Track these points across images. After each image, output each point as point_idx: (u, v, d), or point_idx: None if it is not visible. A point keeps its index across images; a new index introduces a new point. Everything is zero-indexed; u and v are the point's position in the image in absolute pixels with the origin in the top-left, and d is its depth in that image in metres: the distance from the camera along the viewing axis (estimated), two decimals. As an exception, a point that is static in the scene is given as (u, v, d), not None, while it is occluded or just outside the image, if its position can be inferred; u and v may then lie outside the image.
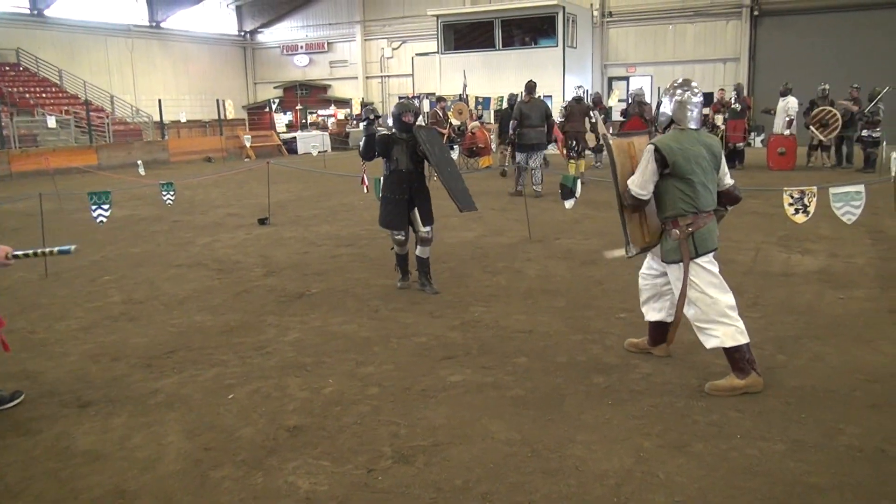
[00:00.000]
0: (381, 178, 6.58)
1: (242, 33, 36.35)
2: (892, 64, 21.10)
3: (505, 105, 16.78)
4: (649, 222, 4.33)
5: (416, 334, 5.29)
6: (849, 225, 6.57)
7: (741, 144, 16.43)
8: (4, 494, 3.23)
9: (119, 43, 30.17)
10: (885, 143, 14.35)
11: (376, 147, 6.27)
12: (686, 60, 25.85)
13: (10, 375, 4.66)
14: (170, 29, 32.56)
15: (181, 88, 31.72)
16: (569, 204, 8.08)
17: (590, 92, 19.43)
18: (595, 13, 26.85)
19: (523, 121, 12.22)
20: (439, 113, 16.66)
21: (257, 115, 31.05)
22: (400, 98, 8.10)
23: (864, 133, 14.85)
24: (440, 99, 17.98)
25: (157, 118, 24.96)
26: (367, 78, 33.93)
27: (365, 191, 8.04)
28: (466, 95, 19.61)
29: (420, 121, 7.92)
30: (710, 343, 4.15)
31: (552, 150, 15.56)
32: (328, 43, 34.45)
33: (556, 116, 15.16)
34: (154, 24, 31.81)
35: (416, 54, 29.83)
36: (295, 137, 27.18)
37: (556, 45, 24.13)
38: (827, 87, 15.57)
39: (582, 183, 8.41)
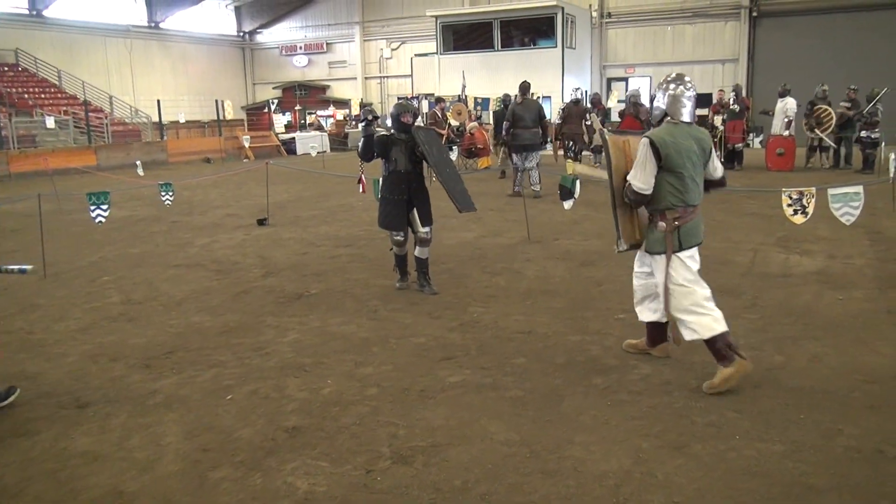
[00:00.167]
0: (380, 179, 6.58)
1: (241, 34, 36.35)
2: (891, 65, 21.13)
3: (500, 106, 16.84)
4: (640, 218, 4.40)
5: (415, 335, 5.29)
6: (847, 226, 6.58)
7: (740, 145, 16.46)
8: (3, 495, 3.23)
9: (118, 43, 30.16)
10: (883, 144, 14.36)
11: (375, 148, 6.28)
12: (685, 61, 25.84)
13: (9, 376, 4.65)
14: (169, 29, 32.55)
15: (180, 89, 31.71)
16: (568, 205, 8.08)
17: (588, 93, 19.46)
18: (594, 14, 26.87)
19: (516, 122, 12.26)
20: (438, 113, 16.68)
21: (256, 115, 31.05)
22: (399, 99, 8.09)
23: (863, 134, 14.86)
24: (439, 100, 17.99)
25: (155, 119, 24.95)
26: (366, 78, 33.93)
27: (361, 191, 8.03)
28: (465, 96, 19.61)
29: (419, 121, 7.92)
30: (688, 336, 4.22)
31: (550, 150, 15.60)
32: (327, 43, 34.45)
33: (555, 118, 15.20)
34: (153, 24, 31.80)
35: (415, 55, 29.83)
36: (294, 138, 27.18)
37: (555, 46, 24.14)
38: (826, 87, 15.59)
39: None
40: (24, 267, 4.32)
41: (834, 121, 15.12)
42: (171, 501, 3.14)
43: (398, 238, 6.42)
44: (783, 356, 4.65)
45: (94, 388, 4.44)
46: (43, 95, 25.52)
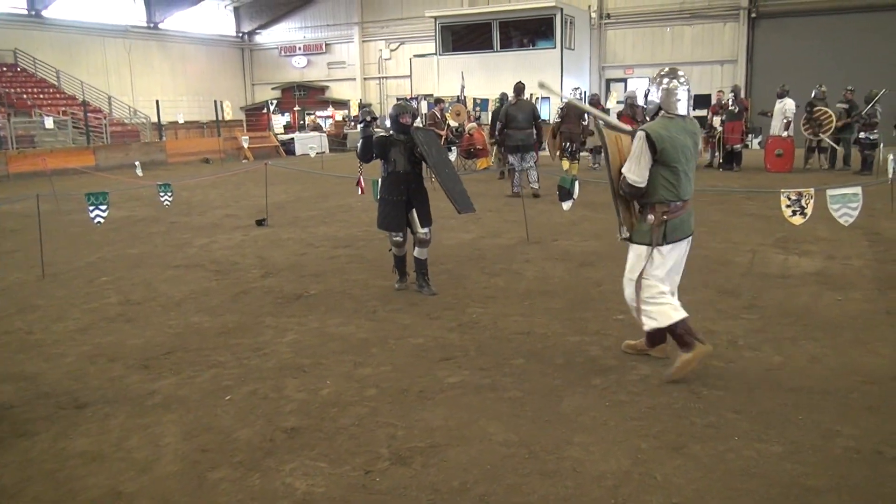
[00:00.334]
0: (379, 180, 6.58)
1: (240, 34, 36.36)
2: (889, 66, 21.17)
3: (499, 105, 16.85)
4: (637, 207, 4.42)
5: (414, 336, 5.29)
6: (846, 227, 6.60)
7: (738, 146, 16.47)
8: (2, 495, 3.23)
9: (117, 44, 30.17)
10: (882, 145, 14.38)
11: (374, 149, 6.28)
12: (684, 62, 25.84)
13: (8, 376, 4.66)
14: (167, 30, 32.56)
15: (179, 89, 31.71)
16: (566, 205, 8.09)
17: (587, 93, 19.48)
18: (593, 15, 26.90)
19: (509, 122, 12.31)
20: (437, 114, 16.68)
21: (255, 116, 31.05)
22: (398, 99, 8.09)
23: (862, 135, 14.89)
24: (438, 100, 17.99)
25: (154, 119, 24.96)
26: (365, 79, 33.95)
27: (360, 192, 8.03)
28: (464, 97, 19.63)
29: (418, 122, 7.92)
30: (648, 325, 4.33)
31: (546, 151, 15.62)
32: (326, 44, 34.47)
33: (553, 118, 15.22)
34: (152, 24, 31.81)
35: (414, 56, 29.86)
36: (293, 139, 27.18)
37: (554, 47, 24.17)
38: (824, 88, 15.60)
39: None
40: None
41: (834, 122, 15.13)
42: (170, 502, 3.14)
43: (397, 239, 6.42)
44: (782, 357, 4.65)
45: (93, 388, 4.43)
46: (41, 96, 25.51)
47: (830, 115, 15.15)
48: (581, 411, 3.91)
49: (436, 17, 26.10)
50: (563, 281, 6.79)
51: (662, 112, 4.28)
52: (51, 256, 8.05)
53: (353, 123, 28.85)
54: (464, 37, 26.60)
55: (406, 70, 30.68)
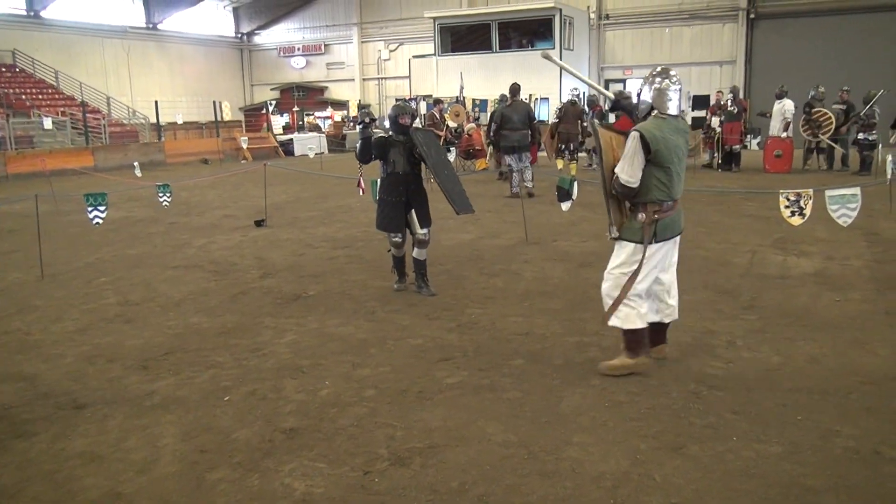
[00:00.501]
0: (378, 181, 6.58)
1: (239, 35, 36.34)
2: (888, 67, 21.19)
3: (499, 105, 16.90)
4: (628, 205, 4.42)
5: (413, 336, 5.29)
6: (845, 227, 6.60)
7: (737, 147, 16.47)
8: (1, 496, 3.22)
9: (115, 44, 30.13)
10: (880, 145, 14.39)
11: (373, 150, 6.29)
12: (682, 63, 25.86)
13: (7, 377, 4.66)
14: (166, 30, 32.53)
15: (178, 90, 31.68)
16: (565, 206, 8.09)
17: (587, 94, 19.47)
18: (592, 15, 26.89)
19: (504, 123, 12.35)
20: (436, 115, 16.68)
21: (254, 116, 31.04)
22: (397, 100, 8.08)
23: (860, 136, 14.90)
24: (437, 101, 17.98)
25: (153, 120, 24.96)
26: (364, 80, 33.94)
27: (361, 193, 8.03)
28: (463, 97, 19.62)
29: (416, 123, 7.92)
30: (612, 322, 4.38)
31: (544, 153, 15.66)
32: (325, 45, 34.46)
33: (552, 118, 15.25)
34: (151, 25, 31.77)
35: (413, 56, 29.86)
36: (292, 139, 27.17)
37: (553, 48, 24.14)
38: (822, 89, 15.61)
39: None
40: None
41: (834, 123, 15.14)
42: (169, 502, 3.14)
43: (396, 239, 6.42)
44: (781, 357, 4.66)
45: (92, 389, 4.43)
46: (40, 96, 25.49)
47: (830, 117, 15.16)
48: (580, 412, 3.91)
49: (435, 18, 26.10)
50: (562, 281, 6.79)
51: (655, 112, 4.29)
52: (49, 257, 8.04)
53: (351, 124, 28.85)
54: (463, 37, 26.60)
55: (405, 71, 30.68)
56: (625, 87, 25.10)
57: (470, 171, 15.82)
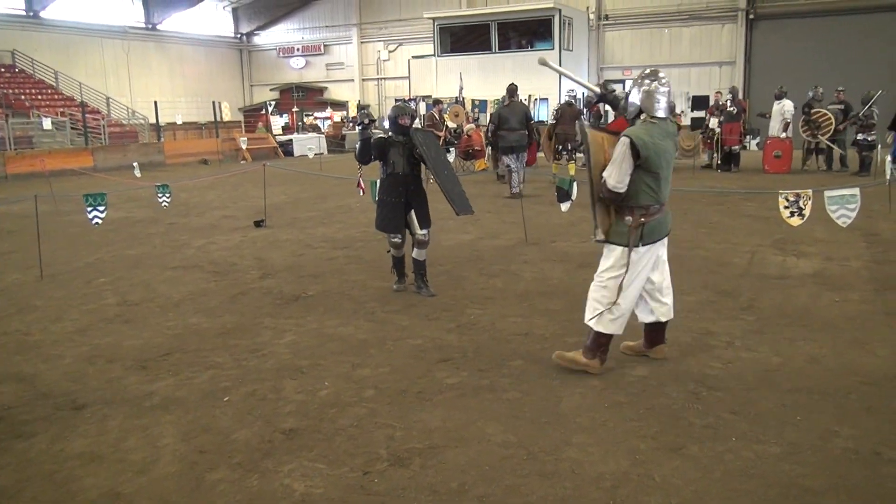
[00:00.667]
0: (378, 181, 6.58)
1: (239, 35, 36.33)
2: (887, 68, 21.22)
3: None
4: (617, 210, 4.41)
5: (413, 337, 5.29)
6: (844, 228, 6.60)
7: (737, 147, 16.48)
8: (0, 497, 3.23)
9: (115, 45, 30.12)
10: (879, 146, 14.41)
11: (372, 150, 6.29)
12: (682, 64, 25.93)
13: (6, 377, 4.65)
14: (166, 31, 32.52)
15: (177, 90, 31.68)
16: (565, 207, 8.09)
17: (585, 94, 19.48)
18: (591, 16, 26.90)
19: (502, 124, 12.43)
20: (435, 115, 16.68)
21: (253, 117, 31.04)
22: (396, 101, 8.10)
23: (859, 136, 14.92)
24: (437, 101, 17.97)
25: (153, 120, 24.96)
26: (364, 80, 33.94)
27: (360, 194, 8.04)
28: (463, 98, 19.62)
29: (416, 123, 7.92)
30: (588, 319, 4.42)
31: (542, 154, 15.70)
32: (324, 45, 34.45)
33: (551, 119, 15.27)
34: (150, 25, 31.76)
35: (413, 57, 29.86)
36: (291, 140, 27.17)
37: (553, 48, 24.15)
38: (821, 90, 15.63)
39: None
40: None
41: (833, 124, 15.16)
42: (168, 503, 3.13)
43: (396, 240, 6.42)
44: (780, 357, 4.66)
45: (91, 389, 4.43)
46: (40, 97, 25.48)
47: (829, 118, 15.17)
48: (580, 412, 3.91)
49: (434, 19, 26.10)
50: (561, 282, 6.79)
51: (644, 116, 4.27)
52: (49, 257, 8.04)
53: (351, 125, 28.85)
54: (462, 38, 26.60)
55: (404, 71, 30.68)
56: (624, 88, 25.11)
57: (469, 172, 15.83)
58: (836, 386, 4.17)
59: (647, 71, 4.40)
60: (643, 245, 4.28)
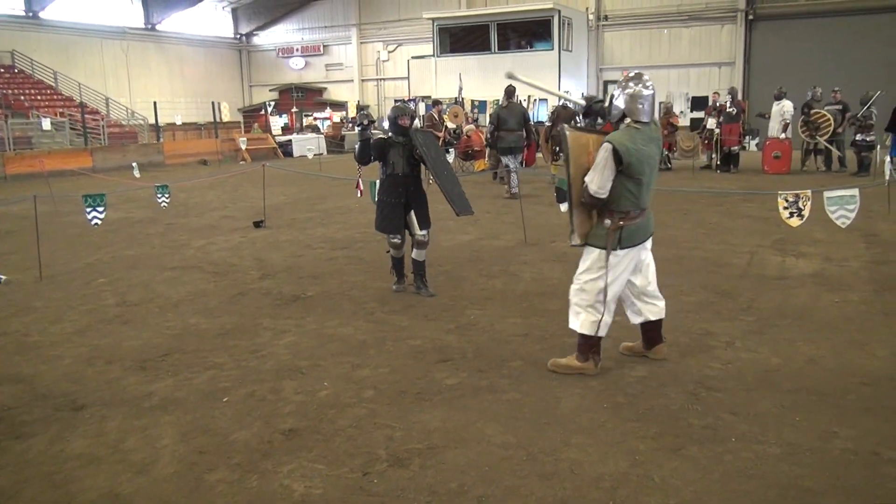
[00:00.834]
0: (378, 182, 6.58)
1: (238, 36, 36.32)
2: (885, 68, 21.22)
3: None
4: (597, 213, 4.41)
5: (412, 337, 5.29)
6: (843, 228, 6.61)
7: (736, 148, 16.49)
8: (-2, 498, 3.22)
9: (114, 45, 30.11)
10: (878, 146, 14.42)
11: (372, 151, 6.30)
12: (681, 64, 25.94)
13: (5, 378, 4.65)
14: (165, 31, 32.50)
15: (176, 91, 31.67)
16: (564, 207, 8.07)
17: (584, 94, 19.50)
18: (590, 16, 26.91)
19: (501, 125, 12.48)
20: (435, 116, 16.69)
21: (253, 117, 31.04)
22: (395, 101, 8.09)
23: (858, 137, 14.93)
24: (436, 102, 17.97)
25: (152, 121, 24.95)
26: (363, 81, 33.93)
27: (359, 195, 8.04)
28: (462, 98, 19.63)
29: (416, 124, 7.92)
30: (573, 323, 4.45)
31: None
32: (324, 46, 34.45)
33: (546, 121, 15.31)
34: (149, 26, 31.74)
35: (412, 57, 29.85)
36: (290, 140, 27.16)
37: (552, 49, 24.17)
38: (820, 90, 15.63)
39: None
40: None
41: (832, 125, 15.17)
42: (168, 503, 3.14)
43: (395, 241, 6.42)
44: (780, 358, 4.66)
45: (90, 390, 4.43)
46: (39, 97, 25.45)
47: (828, 119, 15.17)
48: (579, 413, 3.91)
49: (433, 19, 26.10)
50: (560, 282, 6.78)
51: (627, 120, 4.25)
52: (48, 258, 8.03)
53: (350, 125, 28.85)
54: (461, 38, 26.60)
55: (404, 72, 30.67)
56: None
57: (469, 172, 15.83)
58: (836, 386, 4.17)
59: (633, 73, 4.39)
60: (621, 249, 4.28)
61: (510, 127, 12.46)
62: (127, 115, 27.02)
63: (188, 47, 33.64)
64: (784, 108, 15.77)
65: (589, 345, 4.40)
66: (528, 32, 26.04)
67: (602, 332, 4.39)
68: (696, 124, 17.78)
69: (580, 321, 4.39)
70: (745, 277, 6.81)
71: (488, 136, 13.21)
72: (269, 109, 29.73)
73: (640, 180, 4.19)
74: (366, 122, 6.51)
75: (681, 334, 5.13)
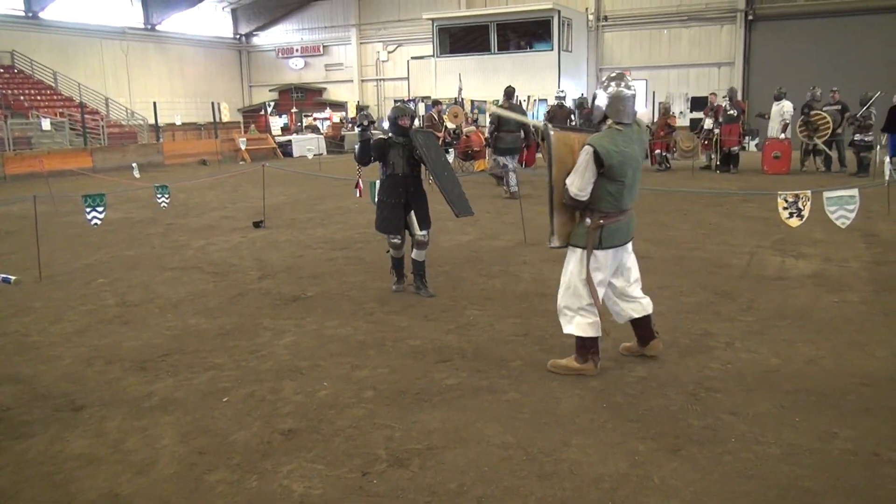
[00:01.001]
0: (378, 182, 6.58)
1: (238, 36, 36.32)
2: (885, 69, 21.23)
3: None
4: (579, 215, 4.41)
5: (412, 337, 5.29)
6: (843, 229, 6.61)
7: (736, 148, 16.50)
8: (-3, 498, 3.22)
9: (114, 45, 30.11)
10: (878, 147, 14.43)
11: (372, 151, 6.30)
12: (681, 65, 25.95)
13: (4, 378, 4.65)
14: (165, 32, 32.50)
15: (176, 91, 31.67)
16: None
17: (582, 95, 19.53)
18: (590, 17, 26.92)
19: (502, 125, 12.51)
20: (434, 116, 16.70)
21: (252, 118, 31.04)
22: (395, 102, 8.09)
23: (857, 137, 14.94)
24: (436, 102, 17.97)
25: (151, 121, 24.94)
26: (363, 81, 33.94)
27: (358, 195, 8.03)
28: (462, 99, 19.63)
29: (415, 124, 7.92)
30: (567, 328, 4.44)
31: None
32: (324, 46, 34.45)
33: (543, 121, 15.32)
34: (149, 26, 31.74)
35: (412, 58, 29.85)
36: (290, 140, 27.16)
37: (552, 49, 24.17)
38: (819, 91, 15.64)
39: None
40: (7, 277, 4.24)
41: (831, 127, 15.18)
42: (167, 504, 3.14)
43: (395, 241, 6.42)
44: (779, 359, 4.66)
45: (90, 390, 4.43)
46: (39, 97, 25.45)
47: (827, 121, 15.17)
48: (578, 413, 3.91)
49: (433, 20, 26.10)
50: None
51: (609, 122, 4.24)
52: (48, 258, 8.03)
53: (350, 125, 28.85)
54: (461, 39, 26.60)
55: (403, 72, 30.66)
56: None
57: (469, 173, 15.83)
58: (835, 387, 4.17)
59: (614, 73, 4.38)
60: (602, 249, 4.28)
61: (511, 127, 12.52)
62: (127, 116, 27.02)
63: (188, 47, 33.64)
64: (784, 109, 15.78)
65: (587, 346, 4.40)
66: (527, 33, 26.04)
67: (598, 332, 4.38)
68: (696, 125, 17.80)
69: (574, 324, 4.39)
70: (745, 278, 6.81)
71: (488, 135, 13.26)
72: (269, 110, 29.73)
73: (622, 182, 4.19)
74: (366, 122, 6.51)
75: (681, 335, 5.13)
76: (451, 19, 26.61)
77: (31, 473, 3.42)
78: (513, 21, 25.45)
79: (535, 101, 22.13)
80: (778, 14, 24.48)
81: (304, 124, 30.27)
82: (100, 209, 7.85)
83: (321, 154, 25.78)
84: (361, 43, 33.55)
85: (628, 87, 4.23)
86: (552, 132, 4.33)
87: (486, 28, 25.29)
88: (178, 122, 26.33)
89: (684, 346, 4.91)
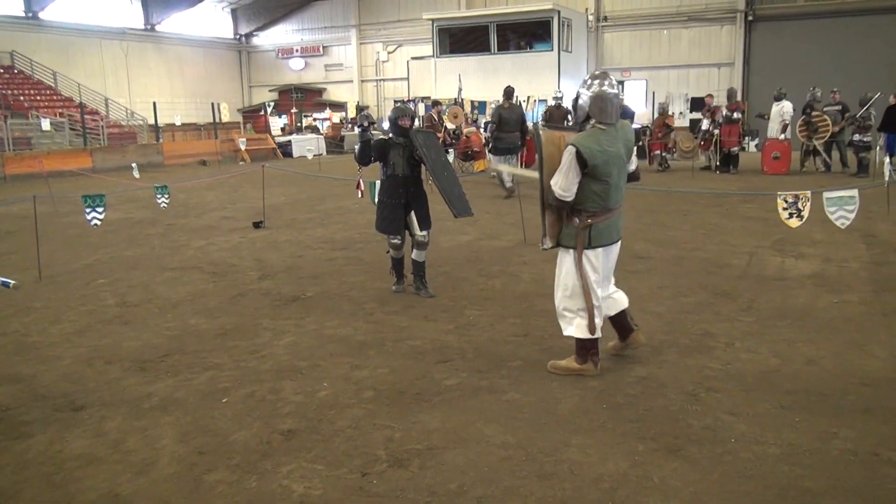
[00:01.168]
0: (378, 183, 6.58)
1: (238, 36, 36.32)
2: (884, 69, 21.24)
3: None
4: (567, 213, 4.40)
5: (412, 338, 5.29)
6: (842, 229, 6.60)
7: (735, 149, 16.50)
8: (-3, 498, 3.22)
9: (114, 46, 30.11)
10: (877, 147, 14.43)
11: (372, 152, 6.30)
12: (681, 65, 25.95)
13: (4, 379, 4.65)
14: (165, 32, 32.50)
15: (176, 91, 31.66)
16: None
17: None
18: (590, 17, 26.92)
19: (502, 125, 12.54)
20: (434, 117, 16.70)
21: (252, 118, 31.04)
22: (396, 102, 8.10)
23: (856, 138, 14.94)
24: (436, 103, 17.97)
25: (151, 121, 24.94)
26: (363, 81, 33.94)
27: (359, 195, 8.04)
28: (462, 99, 19.62)
29: (415, 124, 7.92)
30: (567, 330, 4.43)
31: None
32: (323, 46, 34.45)
33: (541, 120, 15.36)
34: (149, 27, 31.74)
35: (412, 58, 29.85)
36: (290, 141, 27.17)
37: (552, 50, 24.16)
38: (819, 91, 15.64)
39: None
40: (7, 281, 4.23)
41: (830, 129, 15.18)
42: (167, 504, 3.14)
43: (395, 241, 6.42)
44: (779, 359, 4.66)
45: (90, 390, 4.42)
46: (38, 98, 25.45)
47: (827, 123, 15.17)
48: (578, 413, 3.91)
49: (433, 20, 26.10)
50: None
51: (593, 121, 4.22)
52: (47, 258, 8.03)
53: (350, 126, 28.86)
54: (461, 39, 26.60)
55: (403, 72, 30.65)
56: (622, 90, 25.08)
57: (468, 173, 15.82)
58: (835, 387, 4.17)
59: (597, 72, 4.37)
60: (592, 248, 4.28)
61: (510, 127, 12.55)
62: (126, 116, 27.02)
63: (188, 48, 33.64)
64: (784, 109, 15.77)
65: (587, 347, 4.40)
66: (527, 33, 26.04)
67: (598, 333, 4.38)
68: (696, 125, 17.81)
69: (574, 326, 4.38)
70: (745, 278, 6.81)
71: (488, 135, 13.29)
72: (269, 110, 29.73)
73: (608, 182, 4.18)
74: (366, 123, 6.52)
75: (680, 335, 5.13)
76: (450, 20, 26.61)
77: (31, 473, 3.42)
78: (513, 21, 25.44)
79: (535, 101, 22.13)
80: (778, 14, 24.48)
81: (304, 125, 30.27)
82: (99, 209, 7.85)
83: (321, 154, 25.78)
84: (361, 43, 33.56)
85: (611, 87, 4.21)
86: (542, 132, 4.34)
87: (486, 28, 25.29)
88: (178, 123, 26.34)
89: (684, 346, 4.91)
